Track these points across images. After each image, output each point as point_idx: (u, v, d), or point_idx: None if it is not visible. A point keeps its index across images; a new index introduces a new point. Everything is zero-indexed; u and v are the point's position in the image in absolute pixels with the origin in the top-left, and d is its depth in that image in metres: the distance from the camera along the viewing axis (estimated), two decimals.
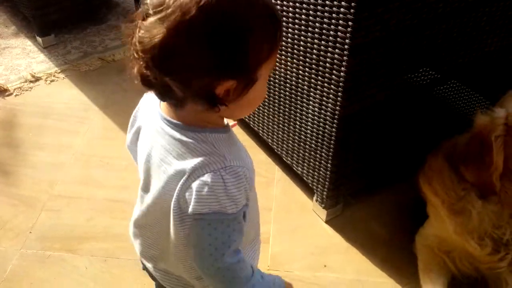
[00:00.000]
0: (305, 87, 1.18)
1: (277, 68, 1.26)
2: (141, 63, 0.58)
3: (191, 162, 0.62)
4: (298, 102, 1.24)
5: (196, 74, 0.57)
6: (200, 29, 0.54)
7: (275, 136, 1.43)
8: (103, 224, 1.36)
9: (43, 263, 1.25)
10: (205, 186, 0.61)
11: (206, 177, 0.62)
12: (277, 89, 1.31)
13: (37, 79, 1.98)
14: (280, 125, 1.37)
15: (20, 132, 1.70)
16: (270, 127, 1.44)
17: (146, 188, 0.73)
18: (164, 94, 0.61)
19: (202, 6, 0.54)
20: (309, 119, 1.22)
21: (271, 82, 1.31)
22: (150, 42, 0.55)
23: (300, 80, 1.20)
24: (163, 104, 0.67)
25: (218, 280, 0.68)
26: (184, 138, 0.64)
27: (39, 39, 2.16)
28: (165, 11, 0.55)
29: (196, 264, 0.68)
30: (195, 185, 0.62)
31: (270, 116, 1.41)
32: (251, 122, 1.55)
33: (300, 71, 1.18)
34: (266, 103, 1.39)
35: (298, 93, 1.22)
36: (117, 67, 2.03)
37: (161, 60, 0.56)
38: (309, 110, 1.21)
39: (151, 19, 0.56)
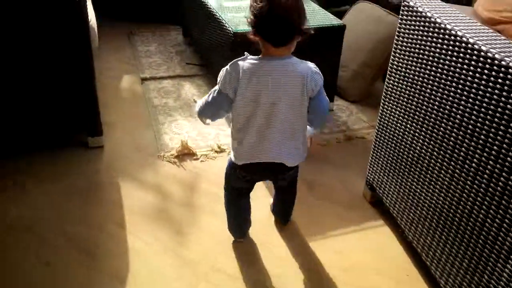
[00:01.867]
0: None
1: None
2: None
3: (304, 67, 1.34)
4: None
5: (304, 19, 1.33)
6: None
7: None
8: None
9: None
10: (316, 70, 1.37)
11: (315, 68, 1.37)
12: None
13: (222, 150, 2.20)
14: None
15: (199, 196, 1.89)
16: None
17: (261, 111, 1.33)
18: (285, 35, 1.30)
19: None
20: None
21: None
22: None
23: None
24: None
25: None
26: (289, 60, 1.34)
27: (230, 113, 2.42)
28: None
29: (317, 124, 1.52)
30: (314, 74, 1.34)
31: None
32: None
33: None
34: None
35: None
36: None
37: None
38: None
39: None
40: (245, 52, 1.36)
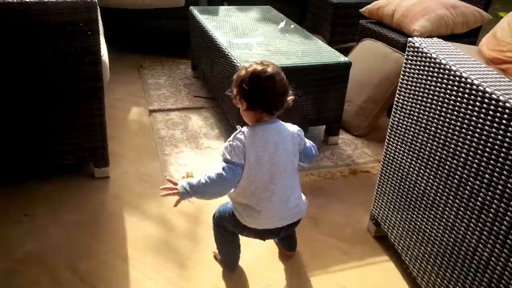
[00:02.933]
0: None
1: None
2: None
3: (293, 129, 1.50)
4: None
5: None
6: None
7: None
8: None
9: None
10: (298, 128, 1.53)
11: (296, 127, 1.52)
12: None
13: None
14: None
15: (203, 229, 1.89)
16: None
17: (274, 172, 1.44)
18: (278, 108, 1.45)
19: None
20: None
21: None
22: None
23: None
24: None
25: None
26: (281, 124, 1.49)
27: None
28: None
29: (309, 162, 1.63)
30: (298, 132, 1.52)
31: None
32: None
33: None
34: None
35: None
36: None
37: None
38: None
39: None
40: (237, 126, 1.47)
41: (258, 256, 1.76)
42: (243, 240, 1.85)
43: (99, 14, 1.87)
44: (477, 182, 1.23)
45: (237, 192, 1.46)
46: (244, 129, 1.44)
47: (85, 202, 1.99)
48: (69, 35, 1.80)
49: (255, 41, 2.62)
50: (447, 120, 1.35)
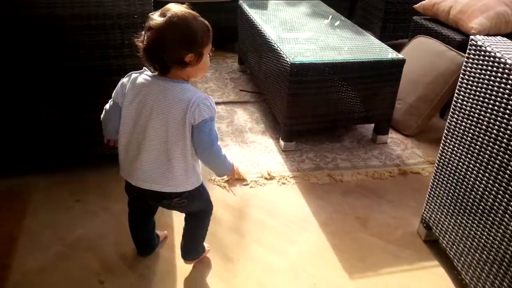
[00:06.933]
0: None
1: None
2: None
3: (192, 95, 1.29)
4: None
5: (175, 51, 1.27)
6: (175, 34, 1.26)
7: None
8: None
9: None
10: (206, 102, 1.30)
11: (205, 99, 1.30)
12: None
13: (271, 178, 2.20)
14: None
15: (247, 222, 1.89)
16: None
17: (139, 128, 1.33)
18: (160, 66, 1.30)
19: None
20: None
21: None
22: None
23: None
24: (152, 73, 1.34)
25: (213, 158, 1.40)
26: (177, 85, 1.31)
27: (282, 142, 2.44)
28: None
29: (200, 152, 1.36)
30: (200, 104, 1.29)
31: None
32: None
33: None
34: None
35: None
36: (343, 188, 2.14)
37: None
38: None
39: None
40: (144, 67, 1.37)
41: (304, 254, 1.74)
42: (289, 237, 1.84)
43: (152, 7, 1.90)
44: None
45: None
46: (145, 71, 1.36)
47: None
48: (123, 27, 1.84)
49: (304, 36, 2.58)
50: (511, 122, 1.28)
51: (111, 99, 1.40)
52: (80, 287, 1.55)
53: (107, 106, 1.43)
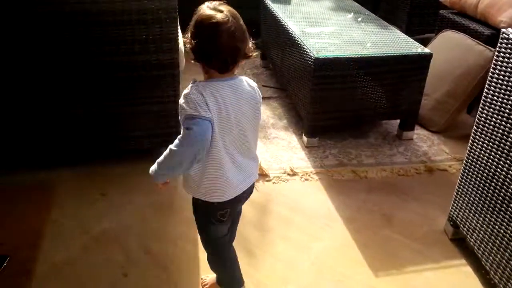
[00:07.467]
0: None
1: None
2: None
3: (254, 86, 1.30)
4: None
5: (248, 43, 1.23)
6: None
7: None
8: None
9: None
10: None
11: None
12: None
13: (294, 173, 2.19)
14: None
15: (270, 218, 1.89)
16: None
17: (242, 134, 1.24)
18: (231, 60, 1.20)
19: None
20: None
21: None
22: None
23: None
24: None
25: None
26: (242, 80, 1.28)
27: (305, 138, 2.42)
28: None
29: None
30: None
31: None
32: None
33: None
34: None
35: None
36: (367, 185, 2.11)
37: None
38: None
39: None
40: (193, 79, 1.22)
41: (328, 250, 1.72)
42: (312, 233, 1.83)
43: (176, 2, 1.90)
44: None
45: (204, 162, 1.23)
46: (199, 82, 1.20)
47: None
48: (148, 22, 1.84)
49: (328, 30, 2.55)
50: None
51: (192, 121, 1.14)
52: (105, 280, 1.56)
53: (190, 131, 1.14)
